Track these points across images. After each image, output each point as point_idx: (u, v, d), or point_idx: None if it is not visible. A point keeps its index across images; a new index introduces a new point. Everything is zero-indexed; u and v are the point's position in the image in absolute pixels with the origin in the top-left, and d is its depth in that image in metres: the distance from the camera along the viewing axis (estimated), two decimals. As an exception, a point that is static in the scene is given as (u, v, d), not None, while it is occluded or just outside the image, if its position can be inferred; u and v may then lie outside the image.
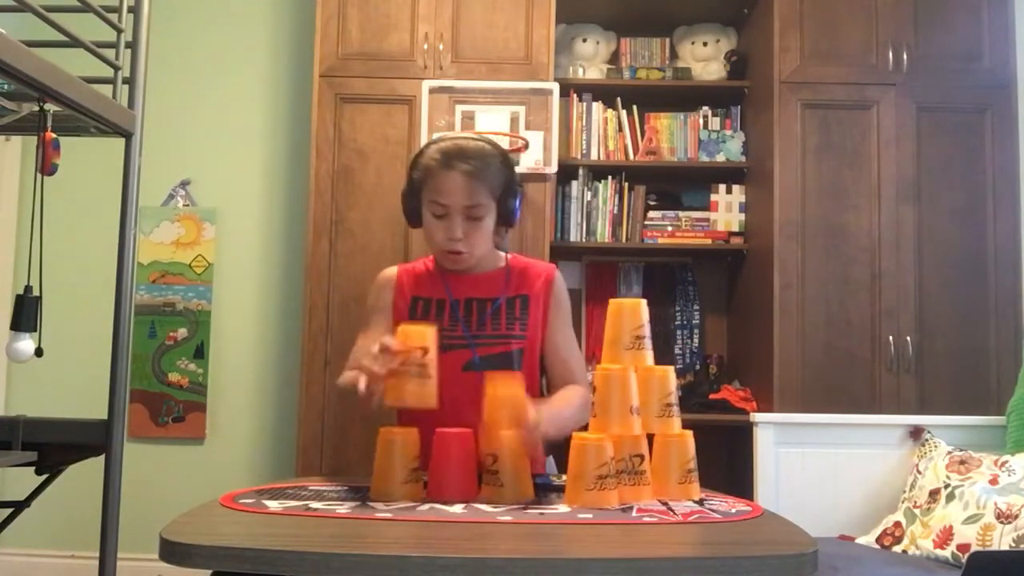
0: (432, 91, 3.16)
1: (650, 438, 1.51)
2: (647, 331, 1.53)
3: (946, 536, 2.41)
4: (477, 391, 1.49)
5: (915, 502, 2.63)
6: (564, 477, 1.56)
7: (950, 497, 2.51)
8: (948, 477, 2.58)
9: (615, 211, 3.47)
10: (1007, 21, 3.17)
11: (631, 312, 1.53)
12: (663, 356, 3.55)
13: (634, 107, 3.54)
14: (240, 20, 3.75)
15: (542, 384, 1.84)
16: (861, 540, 2.68)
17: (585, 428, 1.50)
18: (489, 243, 1.78)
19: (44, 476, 2.06)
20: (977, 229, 3.11)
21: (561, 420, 1.59)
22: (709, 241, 3.48)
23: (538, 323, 1.79)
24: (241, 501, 1.36)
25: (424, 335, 1.46)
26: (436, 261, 1.83)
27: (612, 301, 1.56)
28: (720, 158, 3.50)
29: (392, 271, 1.86)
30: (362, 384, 1.43)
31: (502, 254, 1.85)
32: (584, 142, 3.49)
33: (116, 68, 1.98)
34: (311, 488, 1.51)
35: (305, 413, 3.08)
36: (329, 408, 3.08)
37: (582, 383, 1.79)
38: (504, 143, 3.12)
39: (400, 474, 1.43)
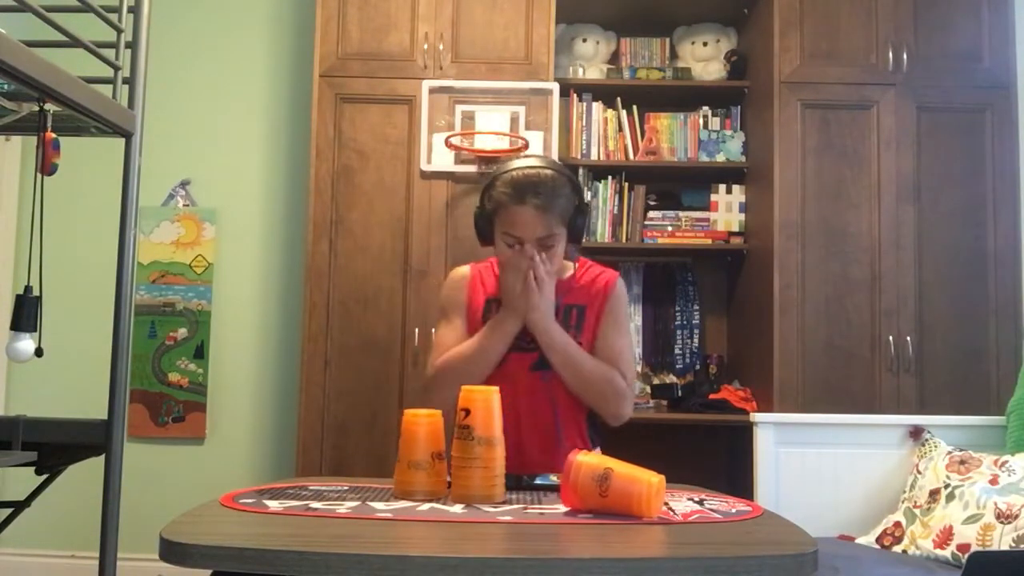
0: (432, 91, 3.16)
1: None
2: None
3: (946, 536, 2.41)
4: (544, 387, 1.73)
5: (915, 502, 2.63)
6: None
7: (950, 497, 2.51)
8: (948, 477, 2.58)
9: (615, 211, 3.47)
10: (1007, 21, 3.17)
11: None
12: (663, 356, 3.56)
13: (634, 107, 3.54)
14: (240, 20, 3.75)
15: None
16: (861, 540, 2.68)
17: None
18: (560, 263, 1.83)
19: (44, 476, 2.06)
20: (977, 229, 3.11)
21: (574, 351, 1.75)
22: (709, 241, 3.47)
23: (591, 332, 1.82)
24: (241, 501, 1.37)
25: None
26: None
27: None
28: (720, 158, 3.50)
29: (465, 270, 1.92)
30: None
31: (569, 264, 1.90)
32: (584, 142, 3.49)
33: (116, 68, 1.98)
34: (311, 488, 1.51)
35: (305, 413, 3.08)
36: (329, 408, 3.08)
37: (623, 375, 1.79)
38: (504, 143, 3.13)
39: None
